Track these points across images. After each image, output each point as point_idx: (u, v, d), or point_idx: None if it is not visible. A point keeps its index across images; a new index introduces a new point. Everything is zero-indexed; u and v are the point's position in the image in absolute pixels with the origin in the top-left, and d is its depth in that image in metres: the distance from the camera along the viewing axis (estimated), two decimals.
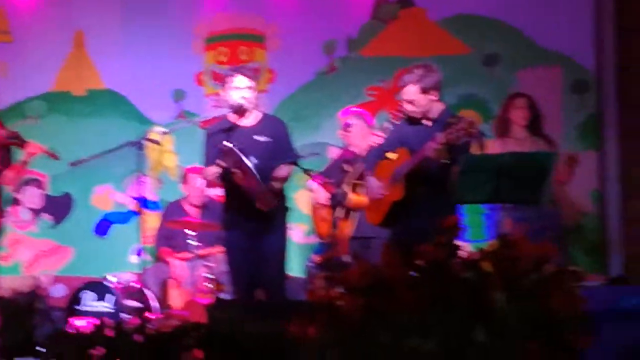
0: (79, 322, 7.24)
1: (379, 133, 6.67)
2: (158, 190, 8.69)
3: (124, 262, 8.58)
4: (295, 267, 8.07)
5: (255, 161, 6.01)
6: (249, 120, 6.35)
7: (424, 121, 6.04)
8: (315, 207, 7.53)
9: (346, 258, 7.11)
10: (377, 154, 6.28)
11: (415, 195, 5.93)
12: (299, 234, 8.57)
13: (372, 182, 6.13)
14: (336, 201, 6.48)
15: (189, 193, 8.23)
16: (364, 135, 7.20)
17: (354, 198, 6.97)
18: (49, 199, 9.01)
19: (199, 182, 7.97)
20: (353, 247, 7.18)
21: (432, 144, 5.66)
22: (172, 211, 8.27)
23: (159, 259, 8.34)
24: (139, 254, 7.08)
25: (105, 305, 7.58)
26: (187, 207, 8.27)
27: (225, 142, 6.11)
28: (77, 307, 7.61)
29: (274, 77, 8.97)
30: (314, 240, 7.66)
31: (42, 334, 3.19)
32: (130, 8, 9.04)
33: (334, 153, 8.18)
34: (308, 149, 6.72)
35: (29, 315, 3.00)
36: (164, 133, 6.31)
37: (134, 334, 3.17)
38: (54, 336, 3.14)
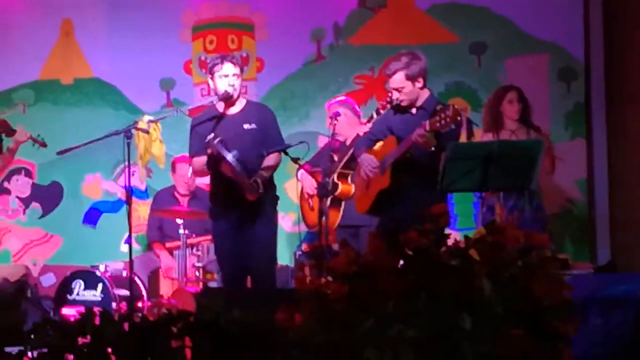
0: (68, 311, 7.27)
1: (366, 122, 6.68)
2: (147, 179, 8.68)
3: (114, 251, 8.59)
4: (284, 256, 8.09)
5: (237, 154, 6.00)
6: (235, 108, 6.35)
7: (410, 109, 6.05)
8: (304, 196, 7.54)
9: (334, 247, 7.13)
10: (364, 143, 6.29)
11: (403, 183, 5.94)
12: (288, 222, 8.58)
13: (366, 158, 6.11)
14: (324, 190, 6.48)
15: (178, 182, 8.24)
16: (351, 124, 7.21)
17: (341, 187, 6.98)
18: (37, 187, 8.99)
19: (186, 170, 7.98)
20: (341, 236, 7.19)
21: (419, 131, 5.67)
22: (161, 200, 8.28)
23: (149, 247, 8.36)
24: (127, 243, 7.08)
25: (94, 294, 7.58)
26: (176, 196, 8.28)
27: (208, 137, 6.11)
28: (67, 296, 7.61)
29: (262, 66, 8.96)
30: (303, 229, 7.67)
31: (31, 322, 3.19)
32: None
33: (322, 142, 8.19)
34: (297, 138, 6.71)
35: (17, 303, 3.01)
36: (153, 122, 6.29)
37: (122, 322, 3.18)
38: (42, 324, 3.14)
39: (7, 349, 3.24)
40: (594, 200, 8.52)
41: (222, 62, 6.24)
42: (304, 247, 7.94)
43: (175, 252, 7.89)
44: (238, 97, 6.32)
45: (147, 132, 6.24)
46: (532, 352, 3.07)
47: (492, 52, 8.73)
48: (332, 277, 3.31)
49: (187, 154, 6.76)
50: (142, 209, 8.65)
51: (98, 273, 7.65)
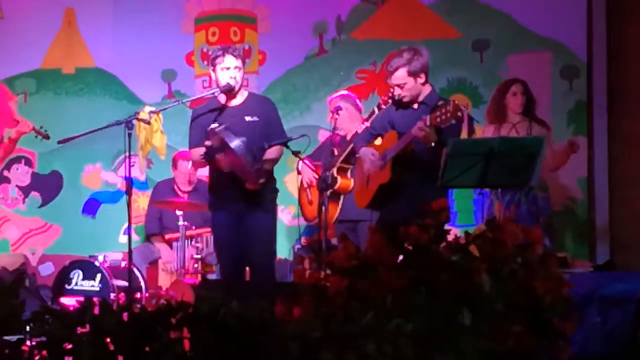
0: (67, 301, 7.27)
1: (367, 117, 6.68)
2: (147, 170, 8.68)
3: (113, 242, 8.59)
4: (284, 249, 8.09)
5: (243, 141, 5.99)
6: (237, 100, 6.34)
7: (412, 104, 6.05)
8: (303, 188, 7.54)
9: (333, 241, 7.13)
10: (365, 137, 6.29)
11: (403, 178, 5.94)
12: (287, 216, 8.59)
13: (367, 151, 6.11)
14: (324, 184, 6.48)
15: (179, 178, 8.25)
16: (352, 118, 7.20)
17: (340, 181, 6.98)
18: (37, 177, 8.98)
19: (187, 167, 8.00)
20: (339, 230, 7.20)
21: (420, 125, 5.67)
22: (161, 191, 8.28)
23: (148, 238, 8.36)
24: (127, 234, 7.08)
25: (93, 284, 7.58)
26: (176, 188, 8.28)
27: (212, 126, 6.11)
28: (65, 286, 7.62)
29: (264, 59, 8.95)
30: (302, 222, 7.67)
31: (29, 311, 3.19)
32: None
33: (323, 136, 8.19)
34: (298, 131, 6.71)
35: (16, 292, 3.02)
36: (154, 112, 6.28)
37: (121, 312, 3.17)
38: (41, 313, 3.14)
39: (6, 338, 3.24)
40: (594, 198, 8.51)
41: (223, 55, 6.23)
42: (303, 240, 7.95)
43: (174, 244, 7.89)
44: (240, 89, 6.31)
45: (148, 122, 6.24)
46: (532, 348, 3.07)
47: (495, 49, 8.72)
48: (332, 271, 3.30)
49: (188, 150, 6.76)
50: (141, 200, 8.65)
51: (97, 263, 7.65)
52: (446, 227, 3.41)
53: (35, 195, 8.99)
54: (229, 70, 6.21)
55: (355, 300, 3.17)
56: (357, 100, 7.53)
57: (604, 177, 8.47)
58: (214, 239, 6.60)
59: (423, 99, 6.02)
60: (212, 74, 6.35)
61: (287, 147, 6.32)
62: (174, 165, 8.25)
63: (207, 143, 6.11)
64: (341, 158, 7.00)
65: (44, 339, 3.13)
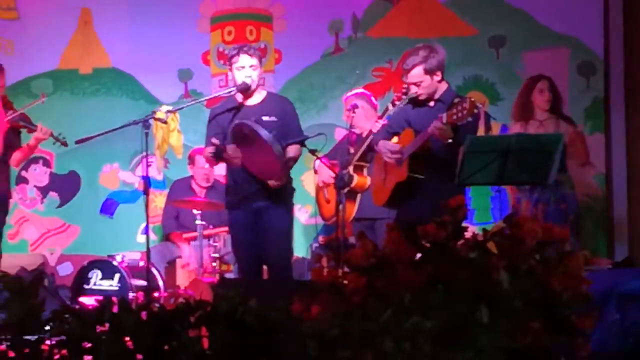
0: (87, 300, 7.29)
1: (382, 114, 6.67)
2: (164, 170, 8.71)
3: (131, 241, 8.62)
4: (301, 248, 8.10)
5: (272, 133, 5.99)
6: (254, 99, 6.34)
7: (428, 102, 6.05)
8: (320, 188, 7.54)
9: (350, 239, 7.13)
10: (382, 135, 6.28)
11: (420, 176, 5.94)
12: (304, 215, 8.59)
13: (386, 144, 6.10)
14: (341, 182, 6.48)
15: (197, 174, 8.26)
16: (368, 116, 7.20)
17: (357, 179, 6.98)
18: (55, 177, 9.02)
19: (204, 162, 7.99)
20: (356, 229, 7.20)
21: (437, 124, 5.66)
22: (179, 190, 8.30)
23: (165, 238, 8.38)
24: (145, 233, 7.10)
25: (111, 284, 7.61)
26: (194, 186, 8.29)
27: (236, 120, 6.11)
28: (84, 286, 7.64)
29: (280, 58, 8.96)
30: (319, 221, 7.67)
31: (48, 311, 3.21)
32: None
33: (340, 134, 8.19)
34: (314, 129, 6.71)
35: (35, 292, 3.03)
36: (171, 112, 6.29)
37: (140, 311, 3.18)
38: (60, 313, 3.16)
39: (26, 337, 3.25)
40: (612, 195, 8.49)
41: (238, 54, 6.23)
42: (321, 239, 7.95)
43: (192, 243, 7.91)
44: (257, 88, 6.31)
45: (165, 122, 6.24)
46: (550, 346, 3.07)
47: (511, 46, 8.71)
48: (350, 269, 3.30)
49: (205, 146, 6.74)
50: (159, 200, 8.67)
51: (115, 263, 7.67)
52: (463, 224, 3.41)
53: (53, 195, 9.03)
54: (244, 69, 6.21)
55: (373, 298, 3.17)
56: (373, 98, 7.53)
57: (622, 173, 8.45)
58: (232, 238, 6.60)
59: (439, 96, 6.01)
60: (229, 73, 6.36)
61: (304, 145, 6.32)
62: (191, 161, 8.26)
63: (214, 141, 6.11)
64: (357, 156, 7.00)
65: (63, 338, 3.14)
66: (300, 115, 6.69)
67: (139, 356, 3.14)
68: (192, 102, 6.71)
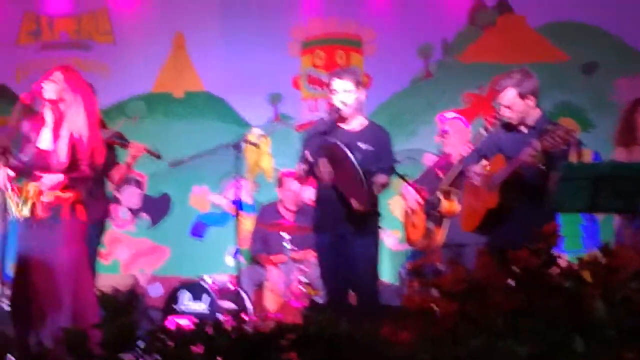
0: (181, 321, 7.36)
1: (474, 140, 6.62)
2: (254, 193, 8.78)
3: (220, 263, 8.69)
4: (388, 273, 8.08)
5: (359, 158, 5.98)
6: (353, 125, 6.32)
7: (520, 127, 6.00)
8: (408, 213, 7.52)
9: (440, 265, 7.09)
10: (473, 160, 6.24)
11: (512, 202, 5.88)
12: (392, 240, 8.57)
13: (475, 168, 6.05)
14: (429, 208, 6.46)
15: (286, 197, 8.30)
16: (461, 141, 7.17)
17: (446, 204, 6.95)
18: (147, 198, 9.16)
19: (294, 185, 8.04)
20: (445, 254, 7.16)
21: (529, 151, 5.61)
22: (267, 214, 8.35)
23: (254, 261, 8.43)
24: (234, 256, 7.16)
25: (200, 306, 7.68)
26: (282, 210, 8.34)
27: (330, 139, 6.11)
28: (174, 306, 7.72)
29: (369, 82, 8.99)
30: (407, 247, 7.65)
31: (142, 330, 3.26)
32: (229, 10, 9.16)
33: (429, 160, 8.17)
34: (403, 155, 6.70)
35: (130, 311, 3.08)
36: (262, 135, 6.35)
37: (233, 333, 3.22)
38: (154, 332, 3.21)
39: (120, 355, 3.31)
40: None
41: (333, 78, 6.25)
42: (409, 265, 7.92)
43: (281, 266, 7.95)
44: (354, 113, 6.28)
45: (257, 145, 6.29)
46: None
47: (603, 72, 8.62)
48: (440, 294, 3.30)
49: (294, 170, 6.75)
50: (248, 223, 8.73)
51: (204, 285, 7.74)
52: (556, 252, 3.38)
53: (144, 216, 9.16)
54: (338, 93, 6.22)
55: (464, 323, 3.16)
56: (466, 122, 7.49)
57: None
58: (318, 262, 6.61)
59: (532, 122, 5.95)
60: (329, 97, 6.38)
61: (395, 171, 6.31)
62: (280, 184, 8.30)
63: (308, 155, 6.10)
64: (447, 181, 6.96)
65: (157, 357, 3.19)
66: None
67: None
68: (283, 126, 6.76)
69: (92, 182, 5.96)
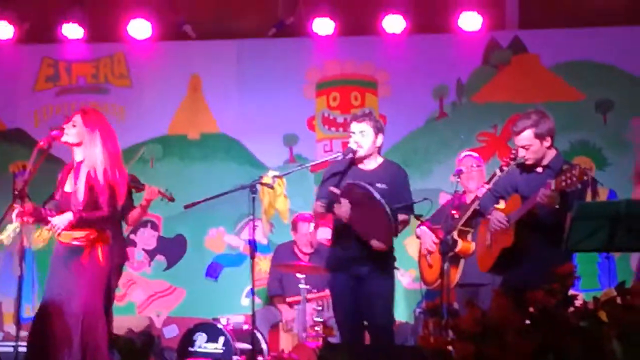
0: None
1: (489, 180, 6.62)
2: (269, 234, 8.78)
3: (235, 304, 8.68)
4: (403, 313, 8.05)
5: (383, 196, 5.98)
6: (370, 164, 6.34)
7: (535, 167, 6.00)
8: (423, 253, 7.51)
9: (454, 305, 7.07)
10: (489, 200, 6.23)
11: (527, 242, 5.87)
12: (407, 279, 8.55)
13: (496, 214, 6.05)
14: (444, 247, 6.45)
15: (300, 240, 8.32)
16: (478, 179, 7.18)
17: (461, 244, 6.94)
18: (162, 240, 9.17)
19: (307, 229, 8.06)
20: (459, 294, 7.14)
21: (545, 191, 5.61)
22: (283, 254, 8.36)
23: (269, 301, 8.42)
24: (250, 296, 7.15)
25: (216, 347, 7.66)
26: (297, 251, 8.34)
27: (352, 181, 6.12)
28: (189, 348, 7.70)
29: (384, 123, 8.99)
30: (422, 286, 7.62)
31: None
32: (245, 53, 9.21)
33: (444, 199, 8.16)
34: (418, 194, 6.69)
35: (146, 354, 3.07)
36: (277, 177, 6.36)
37: None
38: None
39: None
40: None
41: (351, 121, 6.31)
42: (424, 304, 7.89)
43: (296, 307, 7.94)
44: (372, 154, 6.31)
45: (272, 187, 6.31)
46: None
47: (619, 110, 8.62)
48: (457, 335, 3.29)
49: (307, 213, 6.77)
50: (263, 263, 8.74)
51: (220, 326, 7.72)
52: (572, 292, 3.37)
53: (160, 258, 9.17)
54: (354, 134, 6.25)
55: None
56: (482, 162, 7.51)
57: None
58: (332, 302, 6.60)
59: (548, 162, 5.95)
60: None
61: (412, 211, 6.31)
62: (294, 227, 8.33)
63: (335, 190, 6.10)
64: (462, 221, 6.95)
65: None
66: None
67: None
68: (298, 168, 6.78)
69: (111, 223, 5.98)
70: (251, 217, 6.18)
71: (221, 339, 7.67)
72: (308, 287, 7.76)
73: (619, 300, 3.14)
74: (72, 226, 5.71)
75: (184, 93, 9.24)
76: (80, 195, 5.73)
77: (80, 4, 9.23)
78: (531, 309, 3.22)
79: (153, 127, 9.20)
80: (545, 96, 8.58)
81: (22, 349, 7.73)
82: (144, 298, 9.11)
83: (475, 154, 7.55)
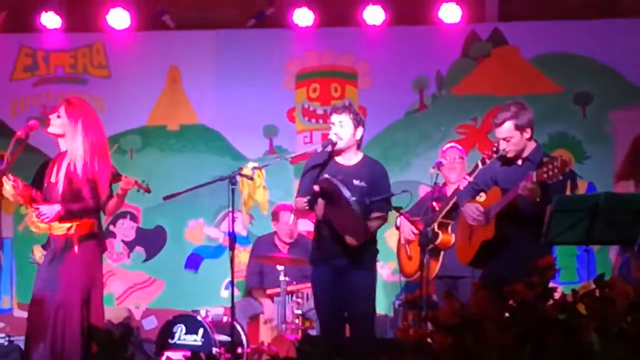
0: (175, 354, 7.34)
1: (470, 172, 6.63)
2: (249, 225, 8.77)
3: (214, 296, 8.67)
4: (383, 305, 8.05)
5: (355, 195, 5.96)
6: (351, 160, 6.31)
7: (516, 160, 6.00)
8: (402, 245, 7.51)
9: (433, 297, 7.08)
10: (468, 193, 6.24)
11: (507, 234, 5.88)
12: (386, 271, 8.56)
13: (470, 206, 6.06)
14: (425, 239, 6.45)
15: (280, 230, 8.30)
16: (460, 171, 7.19)
17: (441, 236, 6.95)
18: (141, 231, 9.14)
19: (288, 218, 8.03)
20: (439, 286, 7.15)
21: (526, 183, 5.61)
22: (262, 246, 8.34)
23: (248, 293, 8.41)
24: (229, 288, 7.14)
25: (195, 339, 7.65)
26: (277, 243, 8.33)
27: (325, 176, 6.10)
28: (169, 340, 7.69)
29: (364, 115, 8.97)
30: (401, 278, 7.63)
31: None
32: (224, 44, 9.17)
33: (423, 191, 8.17)
34: (398, 187, 6.69)
35: (124, 346, 3.05)
36: (257, 168, 6.34)
37: None
38: None
39: None
40: None
41: (331, 113, 6.29)
42: (403, 296, 7.90)
43: (275, 299, 7.93)
44: (351, 146, 6.27)
45: (251, 178, 6.29)
46: None
47: (598, 103, 8.64)
48: (435, 327, 3.28)
49: (288, 203, 6.74)
50: (242, 255, 8.72)
51: (199, 318, 7.72)
52: (551, 285, 3.36)
53: (139, 250, 9.14)
54: (334, 126, 6.23)
55: (460, 356, 3.14)
56: (464, 153, 7.52)
57: None
58: (314, 294, 6.59)
59: (528, 155, 5.96)
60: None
61: (390, 203, 6.29)
62: (275, 217, 8.29)
63: (316, 188, 6.09)
64: (442, 213, 6.96)
65: None
66: None
67: None
68: (278, 159, 6.77)
69: (97, 213, 5.97)
70: (231, 208, 6.16)
71: (200, 331, 7.67)
72: (287, 279, 7.75)
73: (597, 293, 3.15)
74: (59, 217, 5.70)
75: (163, 84, 9.20)
76: (60, 187, 5.72)
77: None
78: (510, 302, 3.22)
79: (132, 118, 9.15)
80: (525, 89, 8.59)
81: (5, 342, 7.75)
82: (123, 289, 9.08)
83: (459, 146, 7.56)
